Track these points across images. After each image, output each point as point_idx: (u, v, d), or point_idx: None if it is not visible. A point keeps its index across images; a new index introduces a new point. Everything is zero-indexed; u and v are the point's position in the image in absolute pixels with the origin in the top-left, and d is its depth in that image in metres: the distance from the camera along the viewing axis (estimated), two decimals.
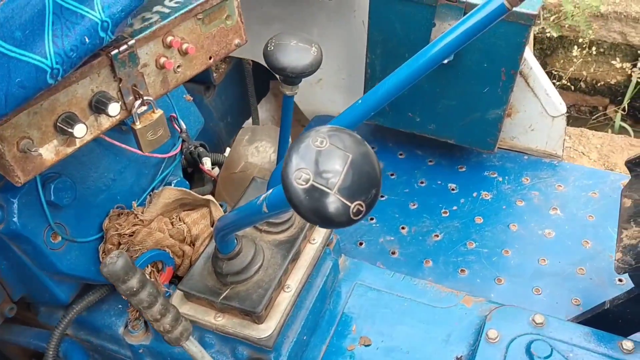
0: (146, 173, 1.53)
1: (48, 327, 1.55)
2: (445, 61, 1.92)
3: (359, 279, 1.63)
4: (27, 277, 1.38)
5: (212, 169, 1.91)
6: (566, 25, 4.02)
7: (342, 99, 2.58)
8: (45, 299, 1.45)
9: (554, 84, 2.54)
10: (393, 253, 2.01)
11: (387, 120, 2.26)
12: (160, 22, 1.15)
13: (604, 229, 2.00)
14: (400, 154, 2.38)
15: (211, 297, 1.32)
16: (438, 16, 1.91)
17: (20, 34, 0.86)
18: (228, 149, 2.19)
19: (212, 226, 1.53)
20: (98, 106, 1.08)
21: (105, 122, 1.13)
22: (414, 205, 2.17)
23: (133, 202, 1.47)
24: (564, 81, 4.17)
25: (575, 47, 4.04)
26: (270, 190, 0.91)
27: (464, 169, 2.28)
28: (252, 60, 2.71)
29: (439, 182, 2.24)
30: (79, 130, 1.04)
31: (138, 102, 1.14)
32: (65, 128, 1.04)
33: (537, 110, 2.19)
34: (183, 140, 1.65)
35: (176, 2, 1.19)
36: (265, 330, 1.31)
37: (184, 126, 1.63)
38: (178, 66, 1.21)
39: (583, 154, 2.85)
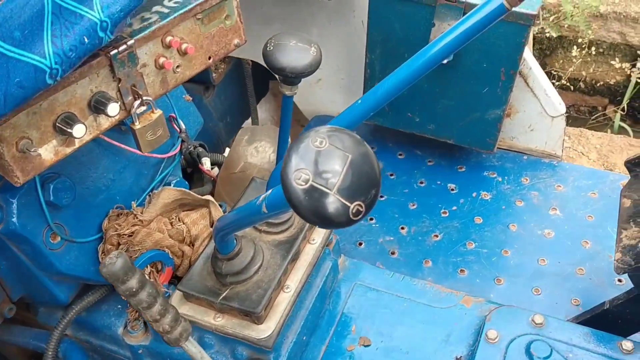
0: (145, 173, 1.53)
1: (47, 328, 1.55)
2: (445, 61, 1.92)
3: (358, 279, 1.63)
4: (26, 278, 1.38)
5: (212, 169, 1.91)
6: (565, 26, 4.02)
7: (342, 99, 2.58)
8: (45, 300, 1.45)
9: (553, 84, 2.54)
10: (392, 253, 2.01)
11: (386, 120, 2.26)
12: (159, 22, 1.15)
13: (604, 229, 2.00)
14: (400, 154, 2.38)
15: (210, 298, 1.32)
16: (437, 16, 1.91)
17: (19, 34, 0.86)
18: (227, 149, 2.19)
19: (211, 226, 1.52)
20: (97, 106, 1.08)
21: (105, 122, 1.13)
22: (413, 205, 2.17)
23: (132, 202, 1.47)
24: (563, 81, 4.17)
25: (575, 47, 4.04)
26: (270, 191, 0.91)
27: (463, 169, 2.28)
28: (251, 61, 2.71)
29: (439, 182, 2.24)
30: (78, 130, 1.04)
31: (137, 102, 1.14)
32: (65, 128, 1.04)
33: (536, 111, 2.19)
34: (182, 141, 1.64)
35: (175, 2, 1.19)
36: (264, 330, 1.31)
37: (183, 126, 1.63)
38: (177, 66, 1.21)
39: (582, 154, 2.85)
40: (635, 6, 3.85)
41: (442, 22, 1.91)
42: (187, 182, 1.67)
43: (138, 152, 1.23)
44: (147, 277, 1.39)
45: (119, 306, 1.52)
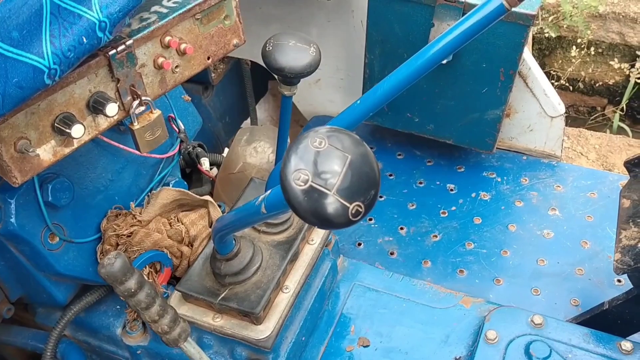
0: (144, 173, 1.52)
1: (46, 328, 1.55)
2: (444, 61, 1.93)
3: (357, 279, 1.63)
4: (24, 278, 1.37)
5: (211, 169, 1.91)
6: (565, 26, 4.02)
7: (341, 99, 2.58)
8: (43, 300, 1.44)
9: (552, 84, 2.54)
10: (392, 253, 2.01)
11: (385, 120, 2.26)
12: (158, 22, 1.14)
13: (603, 230, 2.00)
14: (399, 155, 2.38)
15: (209, 298, 1.32)
16: (437, 16, 1.91)
17: (18, 34, 0.86)
18: (226, 150, 2.19)
19: (210, 227, 1.52)
20: (96, 106, 1.08)
21: (103, 123, 1.13)
22: (412, 205, 2.16)
23: (131, 202, 1.47)
24: (562, 81, 4.18)
25: (574, 47, 4.04)
26: (269, 191, 0.91)
27: (462, 170, 2.28)
28: (250, 61, 2.71)
29: (438, 183, 2.24)
30: (77, 130, 1.04)
31: (136, 102, 1.14)
32: (63, 128, 1.03)
33: (535, 111, 2.18)
34: (181, 141, 1.64)
35: (174, 2, 1.19)
36: (263, 331, 1.31)
37: (182, 126, 1.63)
38: (176, 66, 1.21)
39: (582, 154, 2.85)
40: (634, 6, 3.85)
41: (442, 22, 1.91)
42: (185, 183, 1.66)
43: (137, 152, 1.23)
44: (145, 277, 1.39)
45: (118, 307, 1.51)
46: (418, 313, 1.53)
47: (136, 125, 1.16)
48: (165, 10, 1.17)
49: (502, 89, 1.98)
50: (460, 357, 1.44)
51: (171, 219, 1.48)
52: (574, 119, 4.24)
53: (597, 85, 4.16)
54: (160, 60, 1.17)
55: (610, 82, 4.10)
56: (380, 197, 2.20)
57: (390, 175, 2.29)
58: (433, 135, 2.21)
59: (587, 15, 3.90)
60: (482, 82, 1.99)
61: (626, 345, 1.36)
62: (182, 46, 1.19)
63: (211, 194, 1.95)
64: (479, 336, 1.42)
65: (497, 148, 2.25)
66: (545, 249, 1.96)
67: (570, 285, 1.85)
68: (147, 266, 1.40)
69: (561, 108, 2.16)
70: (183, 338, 1.14)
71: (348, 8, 2.30)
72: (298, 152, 0.74)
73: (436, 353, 1.45)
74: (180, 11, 1.17)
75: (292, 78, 1.29)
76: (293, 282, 1.40)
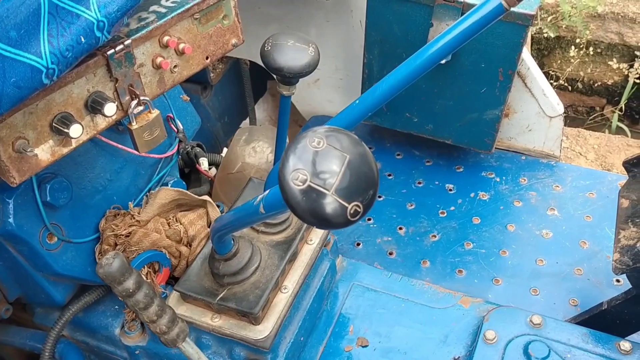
0: (143, 173, 1.52)
1: (44, 328, 1.55)
2: (443, 61, 1.93)
3: (356, 279, 1.62)
4: (23, 278, 1.37)
5: (209, 169, 1.91)
6: (563, 26, 4.02)
7: (340, 99, 2.58)
8: (41, 300, 1.44)
9: (551, 84, 2.54)
10: (390, 254, 2.01)
11: (384, 120, 2.26)
12: (156, 21, 1.14)
13: (602, 230, 2.00)
14: (398, 155, 2.38)
15: (208, 298, 1.31)
16: (436, 16, 1.91)
17: (16, 34, 0.86)
18: (225, 149, 2.18)
19: (209, 227, 1.52)
20: (94, 106, 1.08)
21: (102, 122, 1.13)
22: (411, 205, 2.16)
23: (129, 202, 1.47)
24: (561, 81, 4.18)
25: (573, 47, 4.05)
26: (267, 191, 0.91)
27: (461, 170, 2.28)
28: (249, 60, 2.71)
29: (437, 183, 2.24)
30: (75, 130, 1.04)
31: (134, 102, 1.14)
32: (61, 128, 1.03)
33: (534, 111, 2.18)
34: (180, 141, 1.64)
35: (173, 2, 1.19)
36: (262, 331, 1.30)
37: (180, 126, 1.63)
38: (175, 66, 1.21)
39: (580, 154, 2.85)
40: (633, 6, 3.86)
41: (440, 22, 1.91)
42: (184, 183, 1.66)
43: (135, 152, 1.23)
44: (144, 277, 1.38)
45: (116, 307, 1.51)
46: (417, 313, 1.53)
47: (134, 125, 1.16)
48: (163, 10, 1.17)
49: (500, 89, 1.98)
50: (459, 357, 1.43)
51: (170, 219, 1.47)
52: (572, 119, 4.24)
53: (595, 85, 4.16)
54: (159, 60, 1.16)
55: (609, 82, 4.11)
56: (379, 197, 2.20)
57: (389, 175, 2.29)
58: (432, 135, 2.21)
59: (586, 15, 3.90)
60: (481, 82, 1.99)
61: (625, 345, 1.36)
62: (181, 46, 1.19)
63: (210, 194, 1.95)
64: (478, 336, 1.42)
65: (496, 148, 2.25)
66: (544, 249, 1.96)
67: (569, 285, 1.85)
68: (145, 266, 1.40)
69: (560, 108, 2.16)
70: (181, 338, 1.14)
71: (347, 8, 2.30)
72: (296, 152, 0.73)
73: (435, 353, 1.45)
74: (179, 11, 1.17)
75: (290, 78, 1.28)
76: (292, 282, 1.40)
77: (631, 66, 3.96)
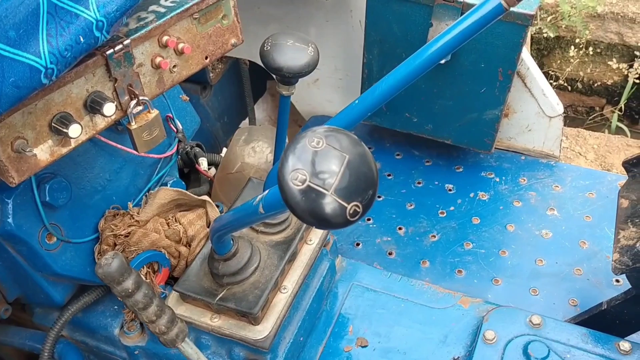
0: (142, 173, 1.52)
1: (43, 329, 1.55)
2: (443, 61, 1.93)
3: (355, 279, 1.62)
4: (22, 278, 1.37)
5: (209, 169, 1.91)
6: (563, 26, 4.03)
7: (339, 99, 2.58)
8: (41, 300, 1.44)
9: (550, 84, 2.54)
10: (390, 254, 2.01)
11: (384, 120, 2.26)
12: (155, 21, 1.14)
13: (601, 230, 2.00)
14: (398, 155, 2.38)
15: (207, 298, 1.31)
16: (435, 16, 1.90)
17: (14, 34, 0.86)
18: (224, 149, 2.18)
19: (208, 227, 1.52)
20: (93, 106, 1.08)
21: (101, 122, 1.12)
22: (411, 205, 2.16)
23: (129, 202, 1.47)
24: (560, 81, 4.18)
25: (572, 47, 4.05)
26: (267, 191, 0.91)
27: (461, 170, 2.28)
28: (249, 60, 2.71)
29: (436, 183, 2.24)
30: (74, 130, 1.03)
31: (133, 102, 1.14)
32: (60, 128, 1.03)
33: (534, 111, 2.18)
34: (179, 141, 1.64)
35: (172, 2, 1.19)
36: (261, 331, 1.30)
37: (180, 126, 1.62)
38: (174, 66, 1.21)
39: (580, 154, 2.85)
40: (632, 6, 3.86)
41: (440, 22, 1.91)
42: (183, 183, 1.66)
43: (134, 152, 1.23)
44: (143, 277, 1.38)
45: (115, 307, 1.51)
46: (416, 313, 1.53)
47: (134, 125, 1.15)
48: (163, 10, 1.17)
49: (500, 89, 1.98)
50: (458, 357, 1.43)
51: (169, 219, 1.47)
52: (572, 119, 4.24)
53: (595, 85, 4.16)
54: (158, 59, 1.16)
55: (609, 82, 4.11)
56: (379, 197, 2.20)
57: (389, 175, 2.29)
58: (431, 135, 2.21)
59: (586, 15, 3.90)
60: (480, 82, 1.99)
61: (624, 345, 1.36)
62: (180, 46, 1.19)
63: (209, 194, 1.95)
64: (477, 336, 1.42)
65: (495, 148, 2.25)
66: (544, 249, 1.96)
67: (569, 286, 1.85)
68: (144, 266, 1.40)
69: (560, 108, 2.16)
70: (180, 338, 1.14)
71: (346, 8, 2.30)
72: (296, 152, 0.73)
73: (434, 353, 1.45)
74: (178, 10, 1.17)
75: (290, 78, 1.28)
76: (291, 282, 1.40)
77: (631, 66, 3.96)
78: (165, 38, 1.16)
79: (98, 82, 1.08)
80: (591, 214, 2.05)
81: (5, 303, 1.43)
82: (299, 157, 0.73)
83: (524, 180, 2.20)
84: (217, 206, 1.58)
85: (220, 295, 1.31)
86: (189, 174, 1.91)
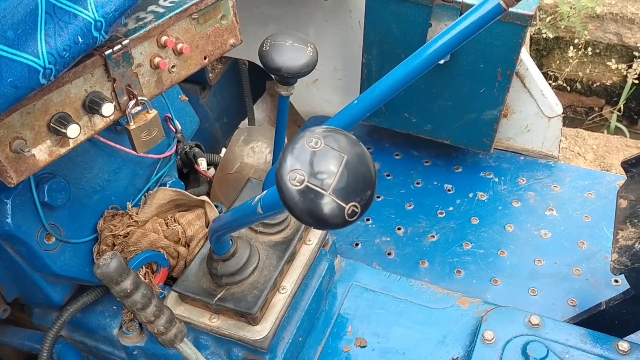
0: (141, 174, 1.52)
1: (42, 329, 1.55)
2: (442, 61, 1.93)
3: (354, 280, 1.62)
4: (21, 279, 1.37)
5: (208, 169, 1.91)
6: (562, 26, 4.03)
7: (338, 99, 2.58)
8: (39, 301, 1.44)
9: (550, 84, 2.54)
10: (389, 254, 2.01)
11: (383, 120, 2.26)
12: (154, 21, 1.14)
13: (600, 230, 2.00)
14: (397, 155, 2.38)
15: (206, 299, 1.31)
16: (434, 16, 1.91)
17: (13, 34, 0.86)
18: (224, 150, 2.18)
19: (207, 227, 1.52)
20: (92, 106, 1.08)
21: (99, 123, 1.12)
22: (410, 206, 2.16)
23: (128, 202, 1.47)
24: (559, 82, 4.18)
25: (571, 47, 4.05)
26: (265, 191, 0.91)
27: (460, 170, 2.28)
28: (248, 61, 2.71)
29: (435, 183, 2.24)
30: (73, 130, 1.03)
31: (132, 102, 1.14)
32: (59, 128, 1.03)
33: (533, 111, 2.18)
34: (178, 141, 1.64)
35: (171, 2, 1.19)
36: (260, 331, 1.30)
37: (179, 126, 1.62)
38: (173, 66, 1.21)
39: (579, 154, 2.85)
40: (631, 7, 3.86)
41: (439, 22, 1.91)
42: (182, 183, 1.66)
43: (133, 152, 1.23)
44: (142, 278, 1.38)
45: (114, 307, 1.51)
46: (415, 313, 1.53)
47: (132, 125, 1.15)
48: (161, 10, 1.17)
49: (499, 89, 1.98)
50: (457, 357, 1.43)
51: (168, 219, 1.47)
52: (571, 119, 4.24)
53: (594, 85, 4.17)
54: (157, 60, 1.16)
55: (608, 83, 4.11)
56: (378, 197, 2.20)
57: (388, 175, 2.29)
58: (430, 135, 2.21)
59: (585, 15, 3.91)
60: (479, 82, 1.99)
61: (623, 345, 1.36)
62: (179, 46, 1.19)
63: (208, 194, 1.95)
64: (476, 336, 1.42)
65: (494, 148, 2.25)
66: (543, 250, 1.96)
67: (568, 286, 1.85)
68: (143, 267, 1.40)
69: (559, 108, 2.16)
70: (179, 339, 1.14)
71: (345, 8, 2.30)
72: (294, 152, 0.73)
73: (433, 353, 1.45)
74: (177, 11, 1.17)
75: (289, 78, 1.28)
76: (290, 282, 1.40)
77: (630, 67, 3.96)
78: (164, 38, 1.16)
79: (97, 82, 1.08)
80: (590, 214, 2.05)
81: (4, 303, 1.42)
82: (297, 158, 0.73)
83: (523, 180, 2.20)
84: (216, 206, 1.58)
85: (219, 295, 1.31)
86: (188, 174, 1.90)
